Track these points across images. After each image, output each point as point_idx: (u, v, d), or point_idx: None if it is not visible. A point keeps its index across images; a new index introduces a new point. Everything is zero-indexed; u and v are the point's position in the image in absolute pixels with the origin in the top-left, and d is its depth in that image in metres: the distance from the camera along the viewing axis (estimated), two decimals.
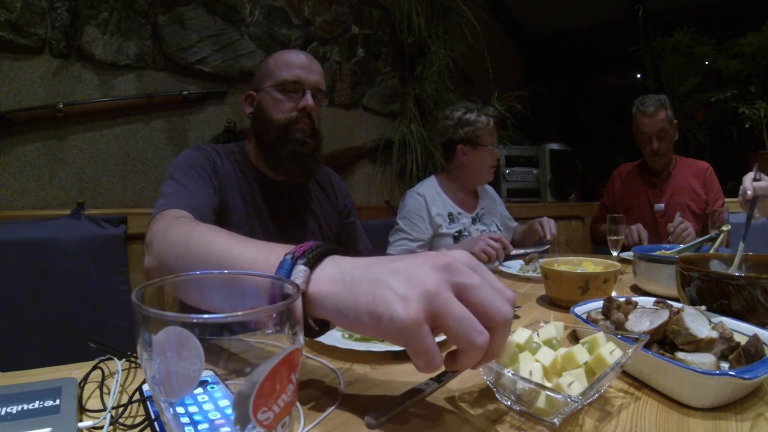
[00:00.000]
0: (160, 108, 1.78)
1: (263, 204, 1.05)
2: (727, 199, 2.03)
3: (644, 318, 0.62)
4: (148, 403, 0.47)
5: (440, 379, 0.56)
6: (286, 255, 0.44)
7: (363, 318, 0.38)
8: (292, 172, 1.03)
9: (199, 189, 0.90)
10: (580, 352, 0.50)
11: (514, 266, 1.38)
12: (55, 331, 1.32)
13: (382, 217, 2.26)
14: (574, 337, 0.61)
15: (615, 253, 1.48)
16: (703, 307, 0.63)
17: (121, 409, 0.47)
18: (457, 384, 0.57)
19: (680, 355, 0.55)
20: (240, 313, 0.28)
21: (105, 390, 0.52)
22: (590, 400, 0.50)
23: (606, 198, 2.21)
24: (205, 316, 0.27)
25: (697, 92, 2.91)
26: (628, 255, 1.54)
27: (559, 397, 0.43)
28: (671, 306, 0.65)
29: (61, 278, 1.34)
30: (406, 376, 0.60)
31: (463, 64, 2.79)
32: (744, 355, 0.53)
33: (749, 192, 0.97)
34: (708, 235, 1.15)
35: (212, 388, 0.43)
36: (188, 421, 0.37)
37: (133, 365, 0.59)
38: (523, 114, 2.90)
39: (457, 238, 1.58)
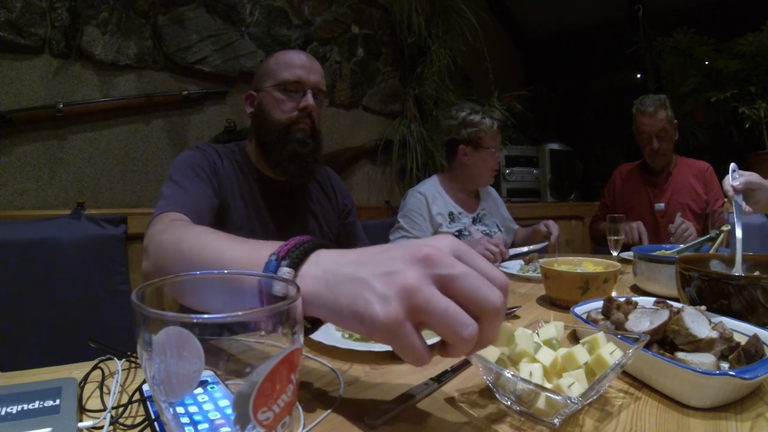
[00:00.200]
0: (160, 108, 1.78)
1: (263, 204, 1.05)
2: (727, 199, 2.02)
3: (644, 318, 0.62)
4: (148, 403, 0.47)
5: (440, 379, 0.56)
6: (270, 256, 0.44)
7: (347, 318, 0.38)
8: (293, 173, 1.03)
9: (197, 190, 0.90)
10: (581, 353, 0.50)
11: (514, 266, 1.38)
12: (55, 331, 1.32)
13: (382, 217, 2.26)
14: (574, 337, 0.61)
15: (615, 253, 1.48)
16: (703, 307, 0.63)
17: (121, 409, 0.47)
18: (457, 384, 0.57)
19: (680, 355, 0.55)
20: (240, 313, 0.28)
21: (105, 390, 0.52)
22: (590, 400, 0.50)
23: (606, 197, 2.22)
24: (205, 316, 0.27)
25: (697, 92, 2.91)
26: (628, 255, 1.54)
27: (559, 398, 0.43)
28: (671, 306, 0.65)
29: (61, 278, 1.34)
30: (406, 376, 0.60)
31: (463, 64, 2.79)
32: (744, 355, 0.53)
33: (730, 192, 0.98)
34: (708, 235, 1.15)
35: (212, 388, 0.43)
36: (188, 421, 0.37)
37: (133, 365, 0.59)
38: (523, 114, 2.90)
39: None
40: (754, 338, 0.55)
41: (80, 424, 0.43)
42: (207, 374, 0.43)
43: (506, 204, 1.92)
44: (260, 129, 1.03)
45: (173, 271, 0.38)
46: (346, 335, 0.73)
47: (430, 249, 0.37)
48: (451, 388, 0.56)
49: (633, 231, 1.69)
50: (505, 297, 0.38)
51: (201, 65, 1.86)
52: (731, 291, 0.68)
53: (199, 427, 0.38)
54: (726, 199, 1.99)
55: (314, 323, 0.47)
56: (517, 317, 0.88)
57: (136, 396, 0.49)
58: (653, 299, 0.72)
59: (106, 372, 0.57)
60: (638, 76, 3.55)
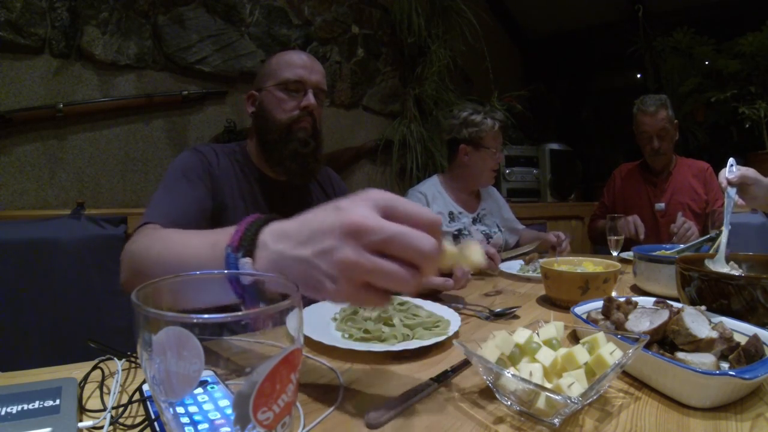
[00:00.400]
0: (160, 108, 1.78)
1: (264, 204, 1.04)
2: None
3: (644, 318, 0.62)
4: (148, 403, 0.47)
5: (440, 379, 0.56)
6: (226, 250, 0.47)
7: (306, 292, 0.42)
8: (294, 172, 1.03)
9: (187, 195, 0.90)
10: (581, 353, 0.50)
11: (514, 266, 1.38)
12: (55, 331, 1.32)
13: None
14: (574, 337, 0.61)
15: (615, 253, 1.48)
16: (703, 307, 0.63)
17: (121, 409, 0.47)
18: (457, 384, 0.57)
19: (680, 355, 0.55)
20: (240, 313, 0.28)
21: (105, 390, 0.52)
22: (590, 400, 0.50)
23: (606, 197, 2.21)
24: (205, 316, 0.27)
25: (697, 92, 2.91)
26: (628, 255, 1.54)
27: (559, 398, 0.43)
28: (671, 306, 0.65)
29: (61, 278, 1.34)
30: (406, 376, 0.60)
31: (463, 64, 2.79)
32: (744, 355, 0.53)
33: (723, 184, 1.00)
34: (708, 235, 1.15)
35: (212, 388, 0.43)
36: (188, 421, 0.38)
37: (133, 365, 0.59)
38: (523, 114, 2.90)
39: (457, 236, 1.58)
40: (754, 338, 0.55)
41: (80, 424, 0.43)
42: (207, 374, 0.43)
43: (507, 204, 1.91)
44: (261, 128, 1.03)
45: (148, 278, 0.36)
46: (346, 335, 0.73)
47: (356, 218, 0.40)
48: (451, 388, 0.56)
49: (629, 224, 1.68)
50: (436, 235, 0.41)
51: (201, 65, 1.86)
52: (731, 291, 0.68)
53: (199, 427, 0.38)
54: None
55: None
56: (517, 317, 0.88)
57: (136, 396, 0.49)
58: (653, 299, 0.72)
59: (106, 372, 0.57)
60: (638, 76, 3.55)
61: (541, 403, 0.45)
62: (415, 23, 2.45)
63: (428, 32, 2.53)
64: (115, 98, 1.66)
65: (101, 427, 0.44)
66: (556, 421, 0.45)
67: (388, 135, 2.52)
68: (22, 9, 1.44)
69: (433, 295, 1.02)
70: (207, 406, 0.40)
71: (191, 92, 1.83)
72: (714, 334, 0.56)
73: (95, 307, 1.39)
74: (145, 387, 0.50)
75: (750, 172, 1.00)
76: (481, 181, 1.67)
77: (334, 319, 0.81)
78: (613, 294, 0.84)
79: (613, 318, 0.66)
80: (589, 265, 1.05)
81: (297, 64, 1.01)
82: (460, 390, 0.55)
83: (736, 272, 0.83)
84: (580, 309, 0.73)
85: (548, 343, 0.54)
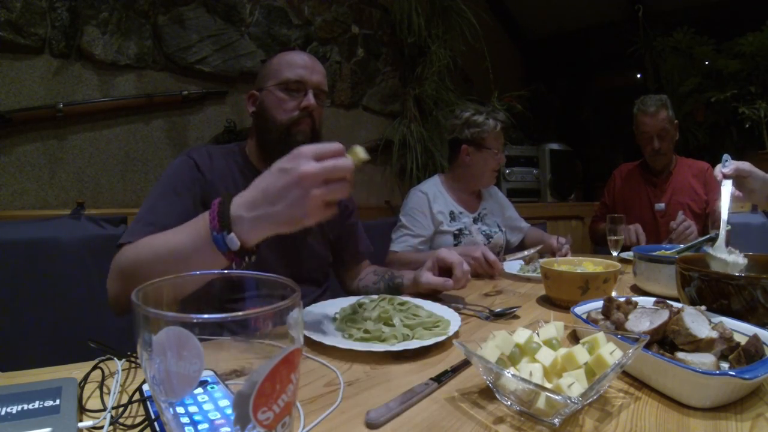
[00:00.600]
0: (160, 108, 1.78)
1: None
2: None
3: (644, 318, 0.62)
4: (148, 403, 0.47)
5: (440, 379, 0.56)
6: (212, 233, 0.61)
7: (288, 229, 0.62)
8: None
9: (172, 211, 0.89)
10: (581, 353, 0.50)
11: (514, 266, 1.38)
12: (55, 331, 1.32)
13: (382, 216, 2.25)
14: (574, 337, 0.61)
15: (615, 253, 1.48)
16: (703, 307, 0.63)
17: (121, 409, 0.47)
18: (457, 384, 0.57)
19: (680, 355, 0.55)
20: (240, 313, 0.28)
21: (105, 390, 0.52)
22: (590, 400, 0.50)
23: (606, 197, 2.21)
24: (205, 316, 0.27)
25: (697, 92, 2.91)
26: (628, 255, 1.54)
27: (559, 398, 0.43)
28: (671, 306, 0.65)
29: (61, 278, 1.34)
30: (406, 376, 0.60)
31: (463, 64, 2.79)
32: (744, 355, 0.53)
33: (719, 177, 1.01)
34: (708, 235, 1.15)
35: (212, 388, 0.43)
36: (188, 421, 0.38)
37: (133, 365, 0.59)
38: (523, 114, 2.90)
39: (457, 236, 1.58)
40: (754, 338, 0.55)
41: (80, 424, 0.43)
42: (207, 374, 0.43)
43: None
44: (261, 129, 1.03)
45: (142, 282, 0.38)
46: (346, 335, 0.73)
47: (305, 169, 0.58)
48: (451, 388, 0.56)
49: (630, 233, 1.69)
50: (335, 155, 0.60)
51: (201, 65, 1.86)
52: (731, 291, 0.68)
53: (199, 427, 0.38)
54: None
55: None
56: (517, 317, 0.88)
57: (136, 396, 0.49)
58: (653, 299, 0.72)
59: (106, 372, 0.57)
60: (638, 76, 3.55)
61: (541, 403, 0.45)
62: (415, 23, 2.45)
63: (428, 32, 2.53)
64: (115, 98, 1.66)
65: (101, 427, 0.44)
66: (556, 421, 0.45)
67: (388, 135, 2.52)
68: (22, 9, 1.44)
69: (433, 295, 1.02)
70: (207, 406, 0.40)
71: (191, 92, 1.83)
72: (714, 334, 0.56)
73: (95, 307, 1.39)
74: (145, 387, 0.50)
75: (744, 165, 1.01)
76: (483, 181, 1.67)
77: (334, 319, 0.81)
78: (613, 294, 0.84)
79: (613, 318, 0.66)
80: (589, 265, 1.05)
81: (298, 64, 1.01)
82: (460, 390, 0.55)
83: (737, 258, 0.83)
84: (580, 309, 0.73)
85: (548, 343, 0.54)
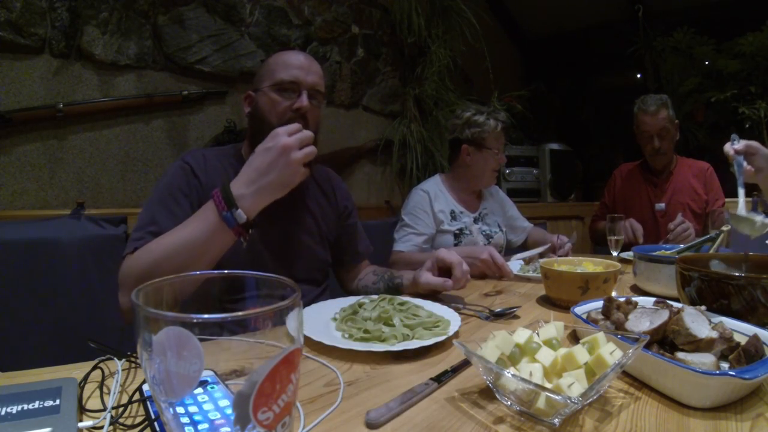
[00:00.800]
0: (160, 108, 1.78)
1: None
2: (727, 199, 2.02)
3: (644, 318, 0.62)
4: (148, 403, 0.47)
5: (440, 379, 0.56)
6: (223, 214, 0.76)
7: (283, 192, 0.81)
8: None
9: (173, 218, 0.90)
10: (581, 353, 0.50)
11: (514, 266, 1.38)
12: (55, 331, 1.32)
13: (382, 217, 2.26)
14: (574, 337, 0.61)
15: (615, 253, 1.48)
16: (703, 307, 0.63)
17: (121, 409, 0.47)
18: (457, 384, 0.57)
19: (680, 355, 0.55)
20: (240, 313, 0.28)
21: (105, 390, 0.52)
22: (590, 400, 0.50)
23: (607, 197, 2.21)
24: (205, 316, 0.27)
25: (697, 92, 2.91)
26: (628, 255, 1.54)
27: (559, 398, 0.43)
28: (671, 306, 0.65)
29: (61, 278, 1.34)
30: (406, 376, 0.60)
31: (463, 64, 2.79)
32: (744, 355, 0.53)
33: (731, 153, 1.08)
34: (708, 235, 1.15)
35: (212, 388, 0.43)
36: (188, 421, 0.38)
37: (133, 365, 0.59)
38: (523, 114, 2.90)
39: (458, 235, 1.58)
40: (754, 338, 0.55)
41: (80, 424, 0.43)
42: (207, 374, 0.43)
43: None
44: (255, 130, 1.02)
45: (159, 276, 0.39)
46: (346, 335, 0.73)
47: (285, 142, 0.79)
48: (451, 388, 0.56)
49: (627, 230, 1.69)
50: (299, 129, 0.82)
51: (201, 65, 1.85)
52: (731, 291, 0.68)
53: (199, 427, 0.38)
54: (726, 200, 1.99)
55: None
56: (517, 317, 0.88)
57: (136, 396, 0.49)
58: (653, 299, 0.72)
59: (106, 372, 0.57)
60: (638, 76, 3.55)
61: (541, 403, 0.45)
62: (415, 23, 2.45)
63: (428, 32, 2.53)
64: (115, 98, 1.66)
65: (101, 427, 0.44)
66: (556, 421, 0.45)
67: (388, 135, 2.52)
68: (22, 9, 1.44)
69: (433, 295, 1.02)
70: (207, 406, 0.40)
71: (191, 92, 1.83)
72: (714, 334, 0.56)
73: (95, 307, 1.39)
74: (145, 387, 0.50)
75: (753, 143, 1.08)
76: (483, 181, 1.67)
77: (334, 319, 0.81)
78: (613, 294, 0.84)
79: (613, 318, 0.66)
80: (589, 265, 1.05)
81: (293, 64, 0.99)
82: (460, 390, 0.55)
83: (759, 217, 0.83)
84: (580, 309, 0.73)
85: (548, 343, 0.54)
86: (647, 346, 0.56)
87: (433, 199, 1.60)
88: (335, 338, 0.71)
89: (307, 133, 0.82)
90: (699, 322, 0.58)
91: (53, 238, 1.35)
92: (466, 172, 1.64)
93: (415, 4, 2.46)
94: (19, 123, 1.47)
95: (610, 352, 0.49)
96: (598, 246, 2.17)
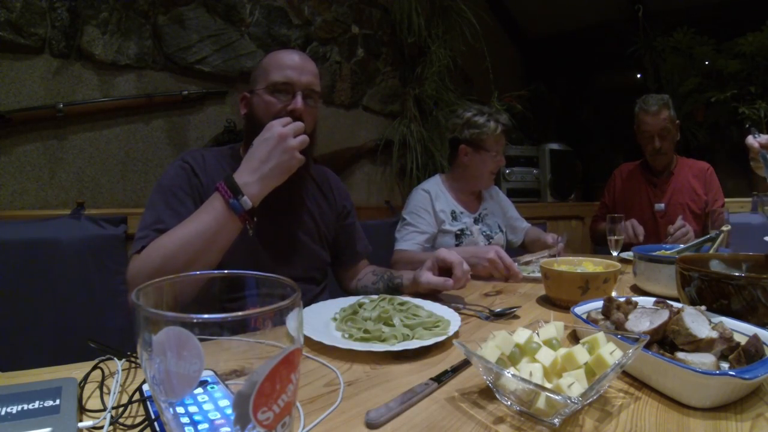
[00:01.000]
0: (160, 108, 1.78)
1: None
2: (727, 199, 2.03)
3: (644, 318, 0.62)
4: (148, 403, 0.47)
5: (440, 379, 0.56)
6: (230, 202, 0.81)
7: (284, 177, 0.87)
8: None
9: (178, 216, 0.90)
10: (581, 353, 0.50)
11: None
12: (55, 331, 1.32)
13: (382, 217, 2.25)
14: (574, 337, 0.61)
15: (615, 253, 1.48)
16: (703, 307, 0.63)
17: (121, 409, 0.47)
18: (457, 384, 0.57)
19: (680, 355, 0.55)
20: (240, 313, 0.28)
21: (105, 390, 0.52)
22: (590, 400, 0.50)
23: (607, 197, 2.21)
24: (205, 316, 0.27)
25: (697, 92, 2.91)
26: (628, 255, 1.54)
27: (559, 398, 0.43)
28: (671, 306, 0.65)
29: (61, 278, 1.34)
30: (406, 376, 0.60)
31: (463, 64, 2.78)
32: (744, 355, 0.53)
33: (755, 146, 1.03)
34: (708, 235, 1.15)
35: (212, 388, 0.43)
36: (188, 421, 0.38)
37: (133, 365, 0.59)
38: (523, 114, 2.90)
39: (459, 236, 1.58)
40: (754, 338, 0.55)
41: (80, 424, 0.43)
42: (207, 374, 0.43)
43: None
44: (251, 132, 1.01)
45: (170, 272, 0.42)
46: (346, 335, 0.73)
47: (280, 131, 0.86)
48: (451, 388, 0.56)
49: (628, 229, 1.69)
50: (291, 120, 0.89)
51: (201, 65, 1.85)
52: (731, 291, 0.68)
53: (199, 427, 0.38)
54: (726, 200, 1.99)
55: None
56: (517, 317, 0.88)
57: (136, 396, 0.49)
58: (653, 299, 0.72)
59: (106, 372, 0.57)
60: (638, 76, 3.55)
61: (541, 403, 0.45)
62: (415, 23, 2.45)
63: (428, 32, 2.53)
64: (115, 98, 1.66)
65: (101, 427, 0.44)
66: (556, 421, 0.45)
67: (388, 135, 2.52)
68: (22, 9, 1.44)
69: (433, 295, 1.02)
70: (207, 406, 0.40)
71: (191, 92, 1.83)
72: (714, 334, 0.56)
73: (95, 307, 1.39)
74: (145, 387, 0.50)
75: None
76: (480, 182, 1.66)
77: (334, 319, 0.81)
78: (613, 294, 0.84)
79: (613, 318, 0.66)
80: (589, 265, 1.05)
81: (286, 65, 0.98)
82: (460, 390, 0.55)
83: None
84: (580, 309, 0.73)
85: (548, 343, 0.54)
86: (647, 346, 0.56)
87: (434, 198, 1.60)
88: (335, 338, 0.71)
89: (299, 124, 0.88)
90: (699, 322, 0.58)
91: (53, 238, 1.35)
92: (465, 173, 1.64)
93: (415, 4, 2.45)
94: (19, 123, 1.47)
95: (610, 352, 0.49)
96: (598, 246, 2.17)
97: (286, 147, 0.84)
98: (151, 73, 1.75)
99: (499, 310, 0.90)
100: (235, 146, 1.11)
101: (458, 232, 1.58)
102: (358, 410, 0.50)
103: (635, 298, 0.73)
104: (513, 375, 0.46)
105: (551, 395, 0.43)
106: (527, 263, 1.39)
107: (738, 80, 2.75)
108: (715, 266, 0.86)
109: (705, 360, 0.53)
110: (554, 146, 3.16)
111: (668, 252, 1.15)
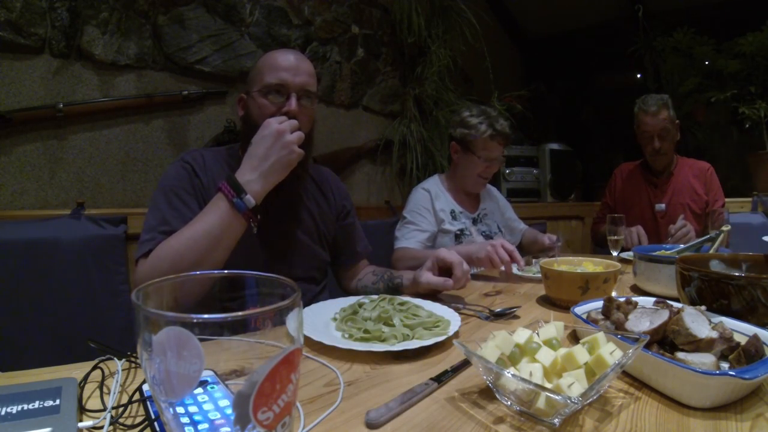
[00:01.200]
0: (160, 108, 1.78)
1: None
2: (727, 199, 2.03)
3: (644, 318, 0.62)
4: (148, 403, 0.47)
5: (440, 379, 0.56)
6: (233, 200, 0.83)
7: (285, 172, 0.87)
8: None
9: (182, 217, 0.91)
10: (581, 353, 0.50)
11: (514, 266, 1.37)
12: (55, 331, 1.32)
13: (382, 217, 2.26)
14: (574, 337, 0.61)
15: (615, 253, 1.48)
16: (703, 307, 0.63)
17: (121, 409, 0.47)
18: (457, 384, 0.57)
19: (680, 355, 0.55)
20: (240, 313, 0.28)
21: (105, 390, 0.52)
22: (590, 400, 0.50)
23: (607, 197, 2.21)
24: (205, 315, 0.27)
25: (697, 92, 2.91)
26: (628, 255, 1.54)
27: (559, 398, 0.43)
28: (671, 306, 0.65)
29: (61, 278, 1.34)
30: (406, 376, 0.60)
31: (463, 64, 2.78)
32: (744, 355, 0.53)
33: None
34: (708, 235, 1.15)
35: (212, 388, 0.43)
36: (188, 421, 0.38)
37: (133, 365, 0.59)
38: (523, 114, 2.90)
39: (459, 236, 1.58)
40: (754, 338, 0.55)
41: (80, 424, 0.43)
42: (207, 374, 0.43)
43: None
44: (247, 135, 1.01)
45: (182, 270, 0.41)
46: (346, 335, 0.73)
47: (277, 128, 0.87)
48: (451, 388, 0.56)
49: (633, 235, 1.69)
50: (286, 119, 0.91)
51: (201, 65, 1.85)
52: (731, 291, 0.68)
53: (199, 427, 0.38)
54: (726, 200, 1.99)
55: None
56: (517, 317, 0.88)
57: (136, 396, 0.49)
58: (653, 299, 0.72)
59: (106, 372, 0.57)
60: (638, 76, 3.55)
61: (541, 403, 0.45)
62: (415, 23, 2.45)
63: (428, 32, 2.53)
64: (115, 98, 1.66)
65: (101, 427, 0.44)
66: (556, 421, 0.45)
67: (388, 135, 2.52)
68: (22, 9, 1.44)
69: (433, 295, 1.02)
70: (207, 406, 0.40)
71: (191, 92, 1.83)
72: (714, 334, 0.56)
73: (95, 307, 1.39)
74: (145, 387, 0.50)
75: None
76: (468, 184, 1.64)
77: (334, 319, 0.81)
78: (613, 294, 0.84)
79: (613, 318, 0.66)
80: (589, 265, 1.05)
81: (280, 66, 0.97)
82: (460, 390, 0.55)
83: None
84: (580, 309, 0.73)
85: (548, 343, 0.54)
86: (647, 346, 0.56)
87: (434, 198, 1.60)
88: (335, 338, 0.71)
89: (294, 122, 0.89)
90: (699, 322, 0.58)
91: (53, 238, 1.35)
92: (456, 172, 1.64)
93: (415, 4, 2.45)
94: (19, 123, 1.47)
95: (610, 352, 0.49)
96: (598, 247, 2.17)
97: (285, 142, 0.85)
98: (151, 73, 1.75)
99: (499, 310, 0.90)
100: (233, 147, 1.11)
101: (458, 232, 1.58)
102: (358, 410, 0.50)
103: (635, 298, 0.73)
104: (513, 375, 0.46)
105: (551, 395, 0.43)
106: (527, 264, 1.39)
107: (738, 80, 2.74)
108: (715, 266, 0.86)
109: (705, 360, 0.53)
110: (554, 146, 3.17)
111: (668, 252, 1.15)
